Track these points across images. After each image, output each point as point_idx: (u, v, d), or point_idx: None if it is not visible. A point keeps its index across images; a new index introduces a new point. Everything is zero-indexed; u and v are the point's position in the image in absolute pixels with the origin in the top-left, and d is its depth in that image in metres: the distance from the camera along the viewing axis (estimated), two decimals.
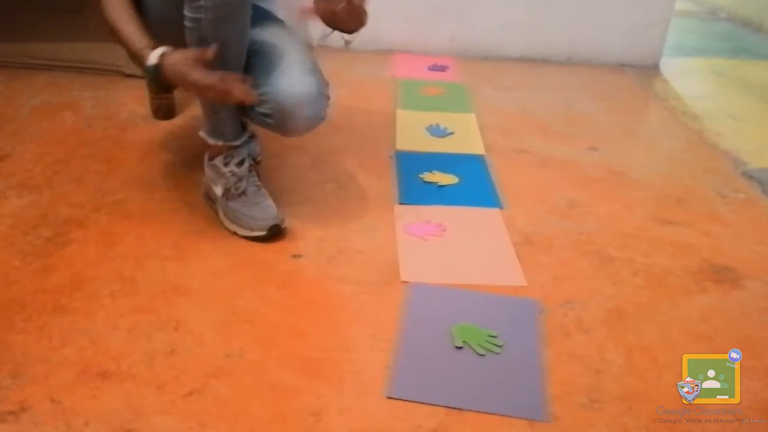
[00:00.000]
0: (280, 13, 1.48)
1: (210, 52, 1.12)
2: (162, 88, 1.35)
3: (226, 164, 1.31)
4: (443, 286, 1.18)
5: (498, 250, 1.30)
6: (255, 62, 1.27)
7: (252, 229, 1.27)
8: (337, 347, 1.03)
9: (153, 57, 1.15)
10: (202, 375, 0.95)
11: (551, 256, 1.29)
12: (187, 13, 1.14)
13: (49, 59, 2.07)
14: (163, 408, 0.89)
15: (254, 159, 1.34)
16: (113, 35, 1.22)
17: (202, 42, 1.15)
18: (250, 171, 1.32)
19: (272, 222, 1.26)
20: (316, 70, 1.28)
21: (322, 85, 1.28)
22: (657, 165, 1.75)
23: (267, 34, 1.33)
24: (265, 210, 1.28)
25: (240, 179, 1.30)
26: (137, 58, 1.18)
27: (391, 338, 1.04)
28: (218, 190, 1.31)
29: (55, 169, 1.50)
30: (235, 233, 1.29)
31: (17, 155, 1.56)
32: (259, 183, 1.32)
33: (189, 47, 1.17)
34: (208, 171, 1.34)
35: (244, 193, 1.29)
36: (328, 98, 1.30)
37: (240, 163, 1.31)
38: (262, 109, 1.25)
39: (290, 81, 1.23)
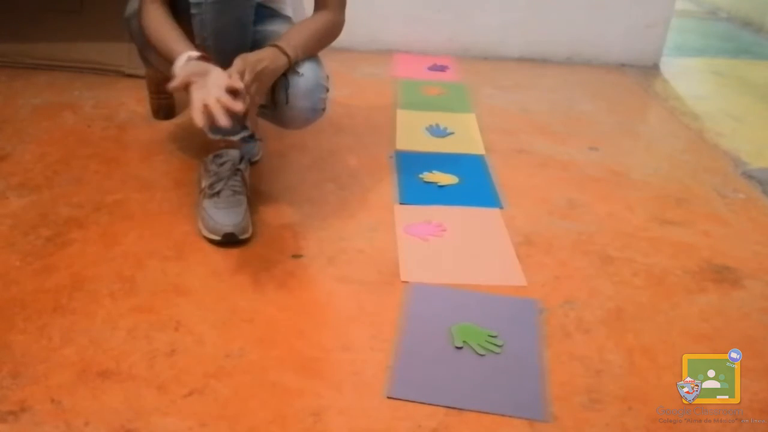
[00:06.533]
0: (288, 11, 1.49)
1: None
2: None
3: (213, 162, 1.31)
4: (443, 286, 1.18)
5: (498, 250, 1.30)
6: None
7: (210, 232, 1.24)
8: (337, 347, 1.02)
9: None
10: (202, 375, 0.95)
11: (551, 256, 1.29)
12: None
13: (49, 59, 2.07)
14: (163, 408, 0.89)
15: (249, 160, 1.34)
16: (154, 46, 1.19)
17: (202, 29, 1.15)
18: (235, 174, 1.31)
19: (228, 230, 1.22)
20: (313, 61, 1.26)
21: (321, 76, 1.26)
22: (657, 165, 1.75)
23: (270, 30, 1.33)
24: (228, 217, 1.24)
25: (219, 180, 1.29)
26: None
27: (391, 338, 1.04)
28: (202, 186, 1.32)
29: (55, 169, 1.50)
30: (200, 231, 1.28)
31: (17, 155, 1.56)
32: (239, 188, 1.30)
33: (195, 35, 1.17)
34: (202, 166, 1.36)
35: (217, 194, 1.28)
36: (327, 90, 1.29)
37: (222, 164, 1.30)
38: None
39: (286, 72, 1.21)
